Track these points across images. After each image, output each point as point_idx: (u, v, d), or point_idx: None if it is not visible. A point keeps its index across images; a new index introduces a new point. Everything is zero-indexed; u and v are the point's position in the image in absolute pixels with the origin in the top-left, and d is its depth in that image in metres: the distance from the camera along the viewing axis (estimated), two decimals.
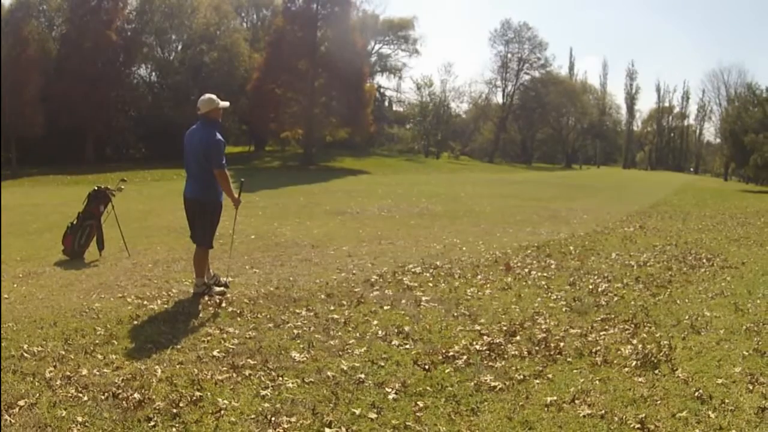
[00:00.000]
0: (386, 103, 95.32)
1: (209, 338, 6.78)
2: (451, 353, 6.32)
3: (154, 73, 65.42)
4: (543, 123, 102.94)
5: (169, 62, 63.28)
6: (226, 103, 8.75)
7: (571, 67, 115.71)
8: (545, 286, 9.60)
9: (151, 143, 60.48)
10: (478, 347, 6.55)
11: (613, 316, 7.96)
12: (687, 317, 7.91)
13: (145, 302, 8.27)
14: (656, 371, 5.97)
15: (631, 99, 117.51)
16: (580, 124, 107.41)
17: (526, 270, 10.82)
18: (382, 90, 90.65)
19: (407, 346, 6.55)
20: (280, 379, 5.63)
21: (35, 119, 44.90)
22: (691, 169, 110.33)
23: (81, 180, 34.76)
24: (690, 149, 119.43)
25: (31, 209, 20.46)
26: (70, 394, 5.22)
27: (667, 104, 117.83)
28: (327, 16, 53.44)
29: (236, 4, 71.90)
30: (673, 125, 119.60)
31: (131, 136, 61.66)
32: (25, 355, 6.12)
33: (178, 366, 5.93)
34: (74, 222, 11.71)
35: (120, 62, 56.31)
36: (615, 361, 6.22)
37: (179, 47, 64.95)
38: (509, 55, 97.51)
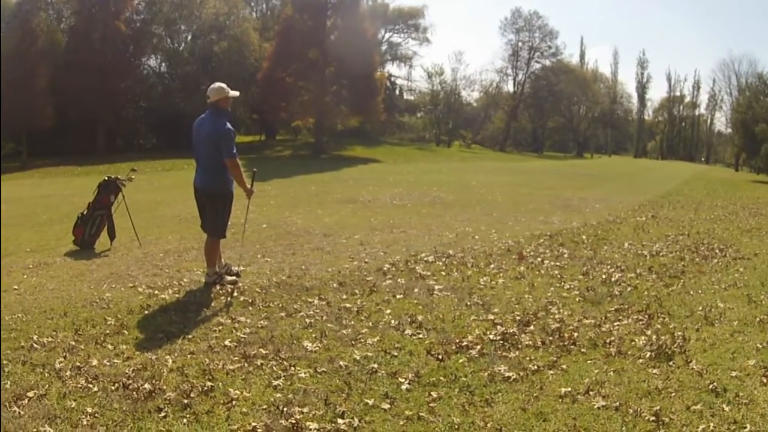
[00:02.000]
0: (397, 92, 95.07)
1: (221, 328, 6.76)
2: (465, 343, 6.29)
3: (163, 64, 65.35)
4: (554, 112, 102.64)
5: (179, 53, 63.21)
6: (236, 93, 8.70)
7: (582, 56, 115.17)
8: (558, 276, 9.56)
9: (162, 133, 60.60)
10: (491, 337, 6.52)
11: (626, 306, 7.92)
12: (700, 308, 7.86)
13: (156, 292, 8.24)
14: (670, 363, 5.93)
15: (642, 88, 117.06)
16: (591, 112, 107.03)
17: (539, 259, 10.77)
18: (392, 78, 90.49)
19: (420, 336, 6.52)
20: (293, 368, 5.60)
21: (45, 111, 44.94)
22: (702, 159, 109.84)
23: (91, 170, 34.79)
24: (701, 139, 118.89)
25: (41, 200, 20.47)
26: (80, 385, 5.20)
27: (678, 93, 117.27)
28: (337, 5, 53.28)
29: None
30: (684, 114, 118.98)
31: (141, 126, 61.80)
32: (35, 345, 6.10)
33: (189, 356, 5.91)
34: (85, 212, 11.69)
35: (129, 53, 56.27)
36: (629, 353, 6.19)
37: (189, 37, 64.86)
38: (520, 44, 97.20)
